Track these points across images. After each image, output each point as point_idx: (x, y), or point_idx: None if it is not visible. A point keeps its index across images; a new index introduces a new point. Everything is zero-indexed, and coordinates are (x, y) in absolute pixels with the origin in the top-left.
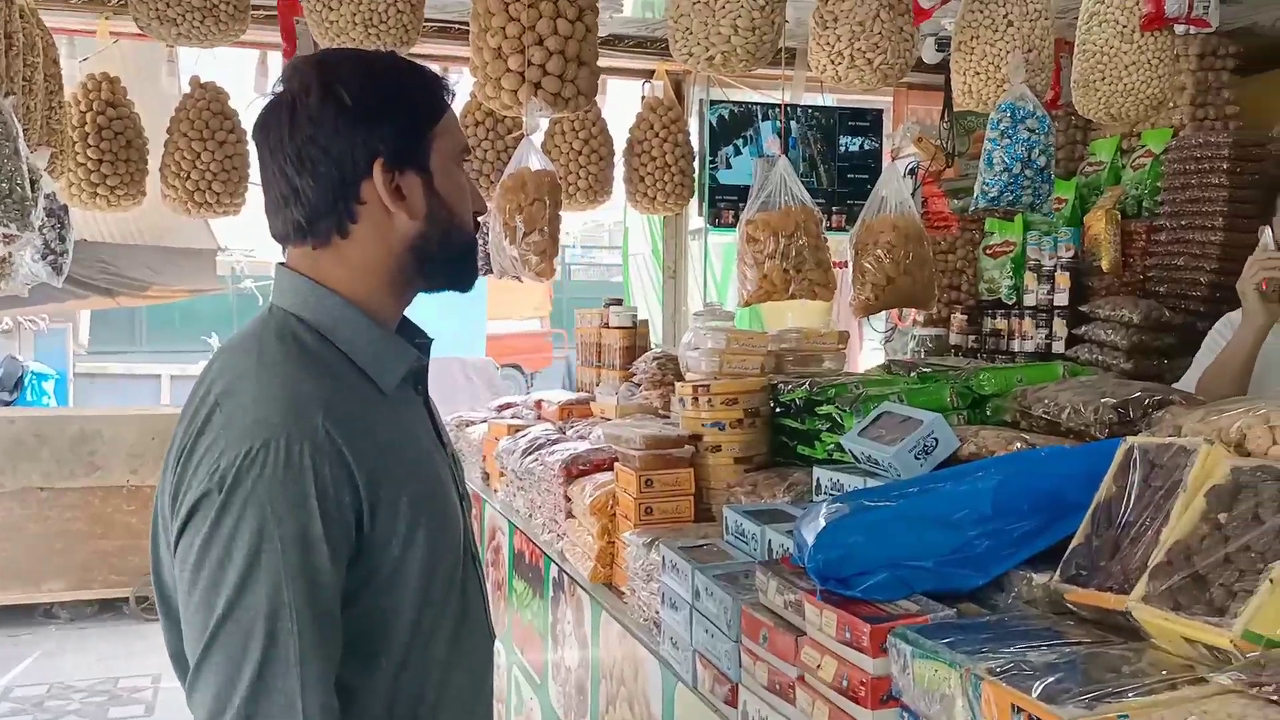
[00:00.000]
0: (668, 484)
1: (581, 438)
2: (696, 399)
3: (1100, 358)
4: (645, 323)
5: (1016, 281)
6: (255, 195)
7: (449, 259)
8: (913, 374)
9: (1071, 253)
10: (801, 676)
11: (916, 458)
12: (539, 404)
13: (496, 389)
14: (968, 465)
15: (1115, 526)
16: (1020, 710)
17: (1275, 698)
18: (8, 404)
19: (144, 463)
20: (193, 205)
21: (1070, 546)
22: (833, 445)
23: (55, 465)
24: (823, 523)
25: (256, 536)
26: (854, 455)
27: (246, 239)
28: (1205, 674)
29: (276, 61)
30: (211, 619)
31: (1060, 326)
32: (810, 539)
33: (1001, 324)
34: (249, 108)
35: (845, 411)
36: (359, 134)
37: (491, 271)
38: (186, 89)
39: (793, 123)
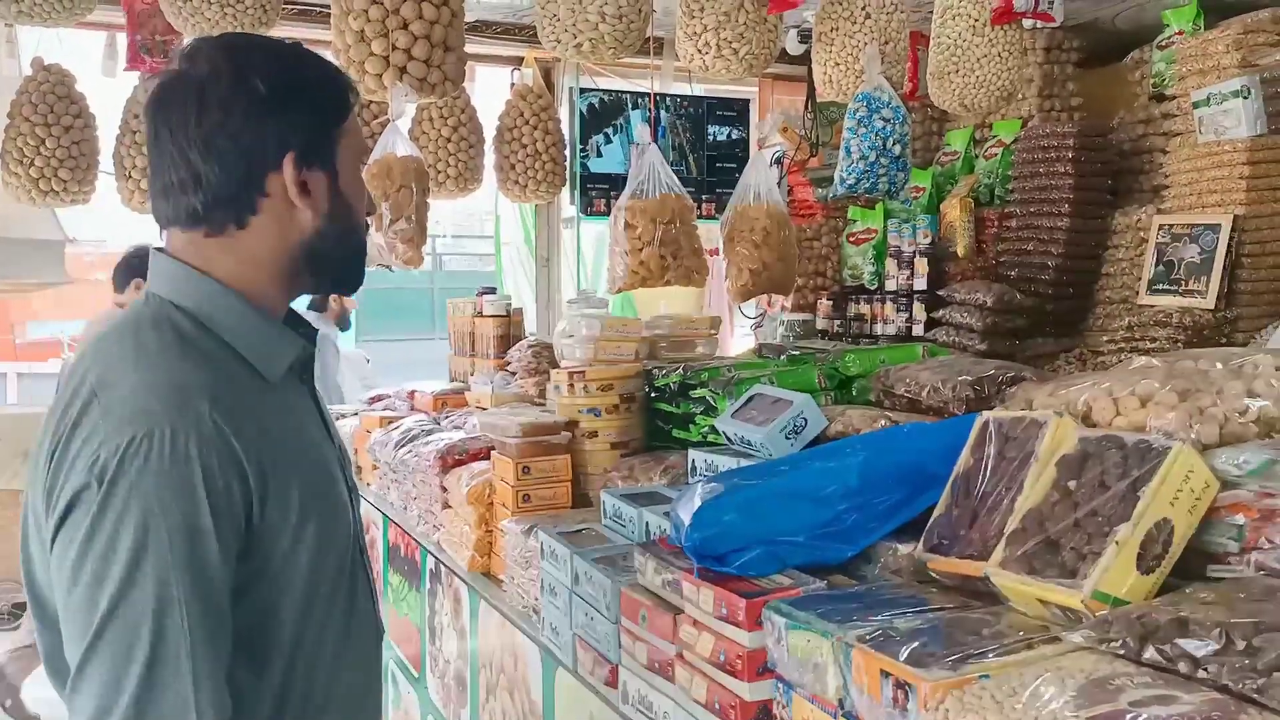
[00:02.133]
0: (545, 471)
1: (456, 428)
2: (572, 385)
3: (957, 339)
4: (519, 311)
5: (878, 267)
6: (105, 182)
7: (342, 259)
8: (782, 357)
9: (929, 239)
10: (680, 654)
11: (787, 437)
12: (412, 394)
13: (368, 381)
14: (836, 443)
15: (973, 497)
16: (888, 674)
17: (1122, 652)
18: None
19: None
20: (37, 193)
21: (932, 517)
22: (707, 428)
23: None
24: (698, 502)
25: (141, 530)
26: (727, 437)
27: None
28: (1059, 633)
29: (124, 43)
30: (95, 617)
31: (920, 310)
32: (687, 518)
33: (865, 308)
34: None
35: (718, 394)
36: (271, 125)
37: None
38: (28, 71)
39: (662, 111)
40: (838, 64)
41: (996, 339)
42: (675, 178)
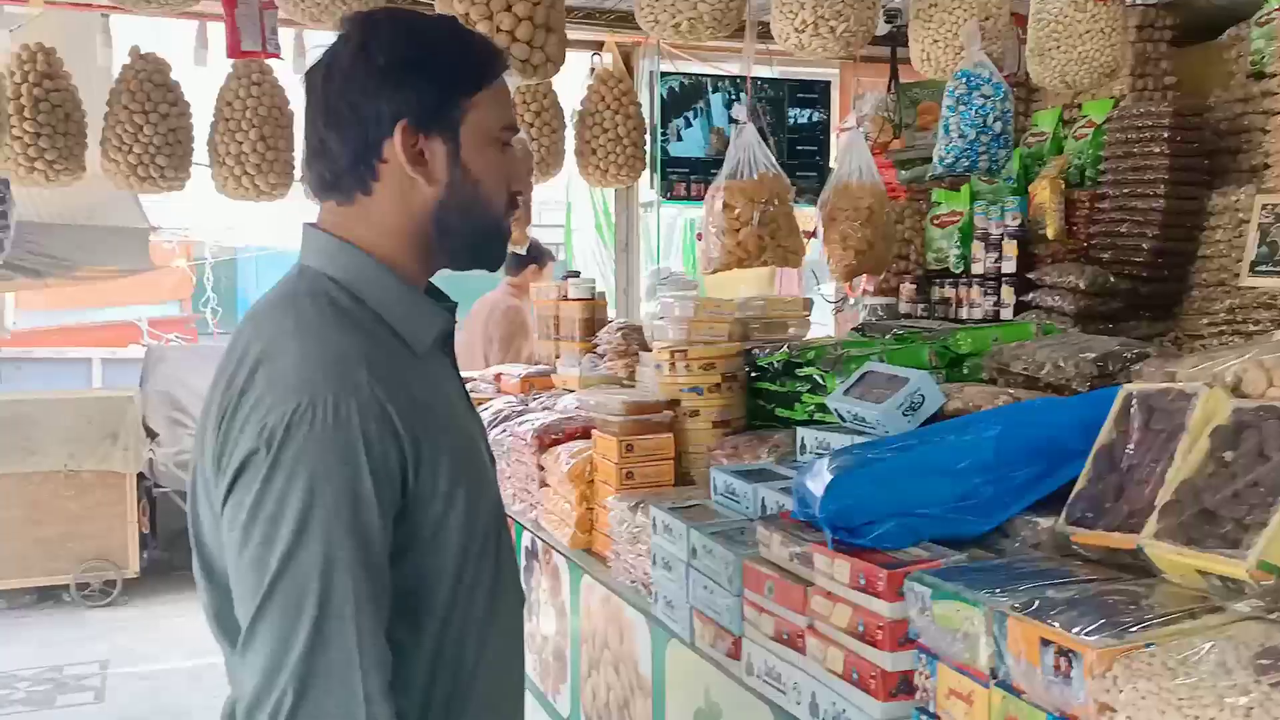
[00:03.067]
0: (648, 449)
1: (546, 409)
2: (674, 364)
3: (1048, 323)
4: (603, 295)
5: (964, 251)
6: (199, 173)
7: (471, 234)
8: (887, 336)
9: (1018, 221)
10: (811, 625)
11: (904, 414)
12: (498, 377)
13: None
14: (966, 417)
15: (1119, 469)
16: (1049, 642)
17: None
18: None
19: (80, 447)
20: (135, 179)
21: (1074, 491)
22: (814, 406)
23: None
24: (830, 475)
25: (308, 493)
26: (839, 414)
27: (180, 218)
28: (1221, 604)
29: (217, 32)
30: (266, 576)
31: (1008, 294)
32: (819, 490)
33: (949, 292)
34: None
35: (827, 373)
36: (385, 92)
37: None
38: (127, 60)
39: (743, 94)
40: (936, 41)
41: (1089, 323)
42: (773, 157)
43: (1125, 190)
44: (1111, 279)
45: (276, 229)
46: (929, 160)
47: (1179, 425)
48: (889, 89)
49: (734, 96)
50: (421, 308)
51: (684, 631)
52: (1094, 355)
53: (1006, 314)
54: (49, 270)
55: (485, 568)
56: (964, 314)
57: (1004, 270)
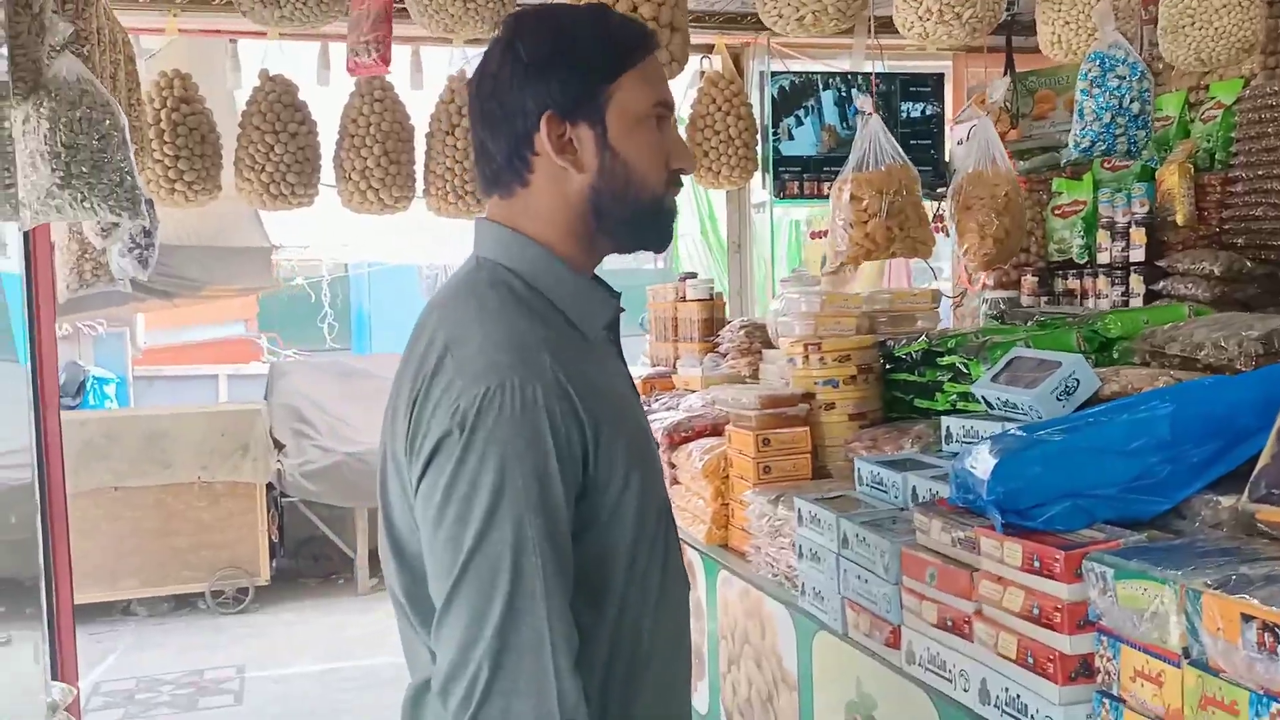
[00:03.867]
0: (785, 442)
1: (670, 409)
2: (807, 357)
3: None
4: (721, 295)
5: (1088, 240)
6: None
7: (629, 216)
8: (1029, 323)
9: (1146, 208)
10: (979, 610)
11: (1058, 399)
12: None
13: None
14: (1135, 396)
15: None
16: (1252, 618)
17: None
18: (71, 409)
19: (213, 459)
20: (268, 197)
21: (1258, 467)
22: (955, 395)
23: (126, 465)
24: (997, 457)
25: (500, 473)
26: (986, 402)
27: (299, 235)
28: None
29: (339, 52)
30: (460, 553)
31: (1137, 283)
32: (985, 473)
33: (1074, 284)
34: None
35: (971, 360)
36: (530, 87)
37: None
38: (256, 82)
39: (854, 90)
40: (1067, 23)
41: (1225, 310)
42: (899, 147)
43: (1259, 172)
44: (1248, 264)
45: (388, 245)
46: (1047, 150)
47: None
48: (1004, 75)
49: (844, 94)
50: (592, 294)
51: (835, 622)
52: (1258, 334)
53: (1136, 304)
54: (178, 290)
55: (657, 551)
56: (1090, 305)
57: (1132, 259)
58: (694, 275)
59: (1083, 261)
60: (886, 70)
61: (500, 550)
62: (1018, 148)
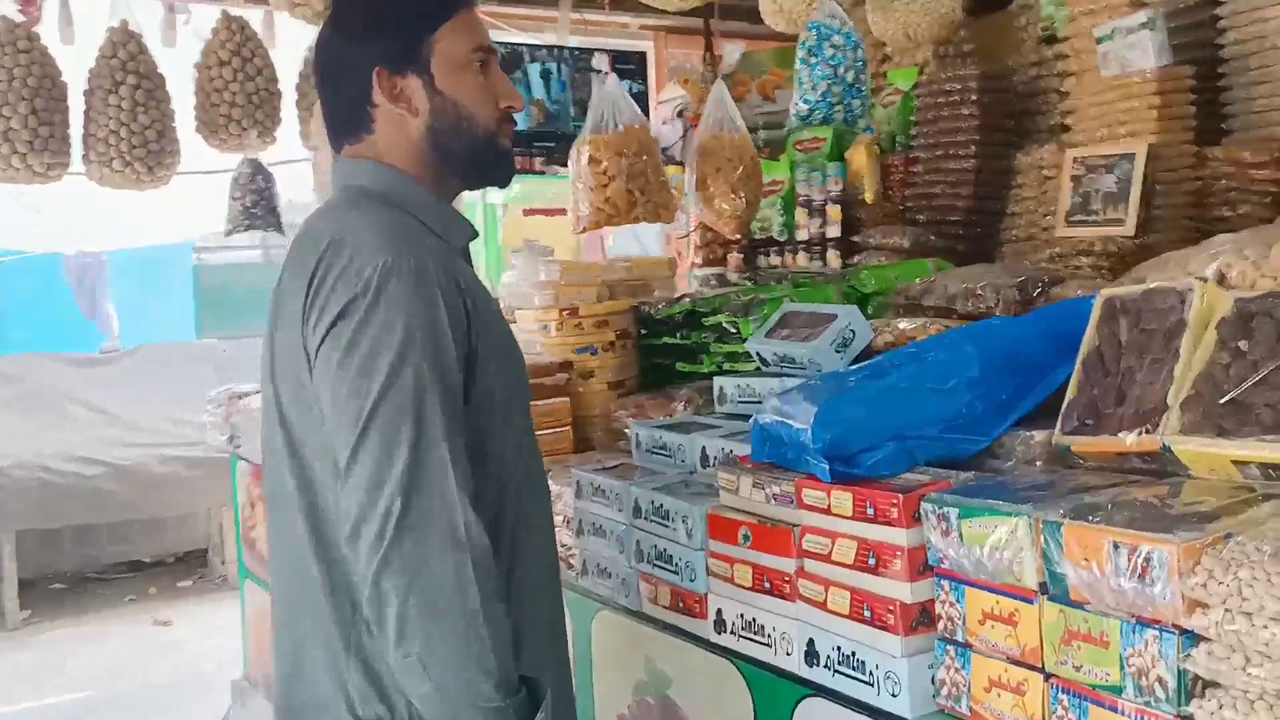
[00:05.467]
0: (544, 414)
1: None
2: (562, 324)
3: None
4: None
5: (788, 218)
6: None
7: (468, 153)
8: (782, 282)
9: (840, 186)
10: (802, 567)
11: (836, 350)
12: None
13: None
14: (936, 338)
15: (1113, 374)
16: (1121, 545)
17: None
18: None
19: None
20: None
21: (1067, 401)
22: (722, 356)
23: None
24: (818, 404)
25: (404, 330)
26: (761, 358)
27: None
28: (1264, 491)
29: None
30: (367, 402)
31: (834, 257)
32: (805, 420)
33: (776, 260)
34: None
35: (741, 318)
36: (359, 49)
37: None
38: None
39: (562, 65)
40: None
41: None
42: (638, 108)
43: (938, 153)
44: (932, 238)
45: (29, 229)
46: (749, 130)
47: (1177, 323)
48: (704, 59)
49: (551, 68)
50: (453, 213)
51: (625, 598)
52: (1013, 282)
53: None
54: None
55: (524, 441)
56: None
57: (828, 235)
58: None
59: (784, 238)
60: (591, 46)
61: (404, 397)
62: None
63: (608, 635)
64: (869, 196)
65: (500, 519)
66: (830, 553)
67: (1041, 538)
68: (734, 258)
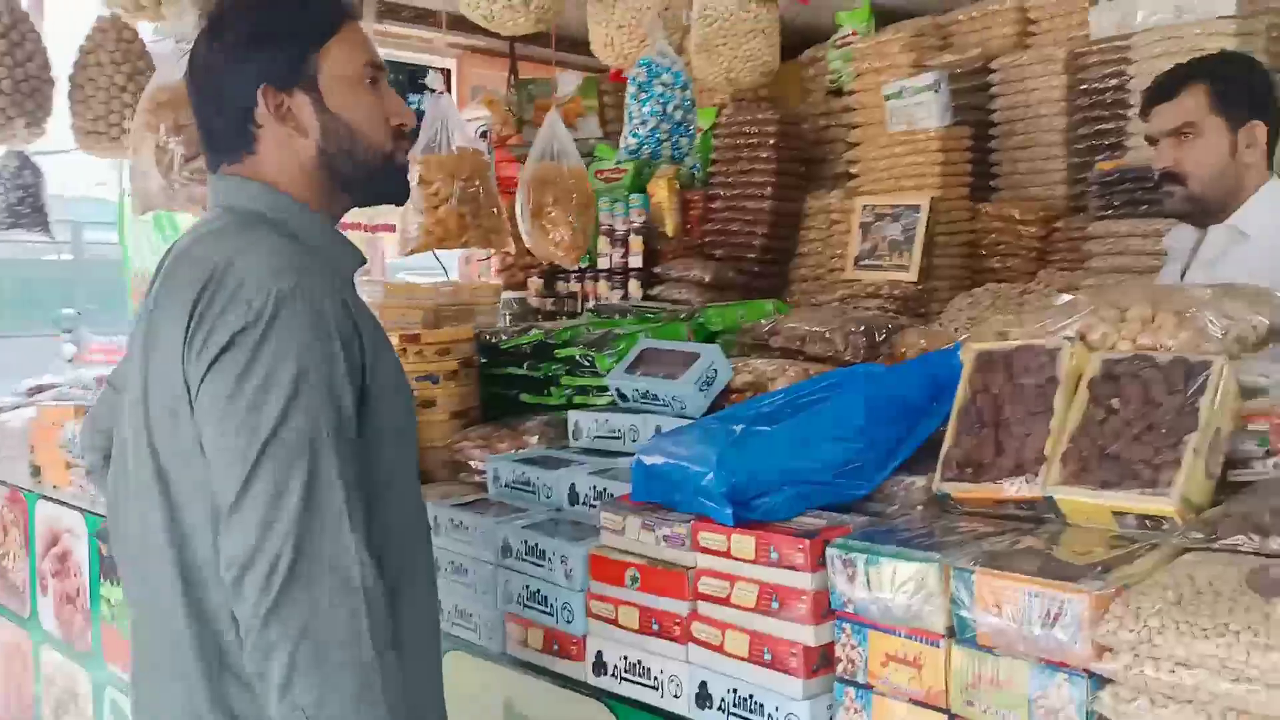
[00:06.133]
0: None
1: None
2: (404, 350)
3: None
4: None
5: (590, 247)
6: None
7: (362, 173)
8: (626, 316)
9: (643, 218)
10: (695, 610)
11: (700, 389)
12: (102, 380)
13: None
14: (820, 383)
15: (989, 425)
16: (1036, 593)
17: (1249, 549)
18: None
19: None
20: None
21: (944, 449)
22: (572, 389)
23: None
24: (718, 449)
25: (297, 364)
26: (621, 393)
27: None
28: (1140, 541)
29: None
30: (257, 439)
31: (635, 287)
32: (709, 465)
33: (576, 287)
34: None
35: (596, 353)
36: (243, 64)
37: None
38: None
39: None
40: (621, 26)
41: None
42: (472, 132)
43: (736, 191)
44: (730, 273)
45: None
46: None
47: (1050, 379)
48: (509, 83)
49: None
50: (344, 241)
51: (488, 641)
52: (861, 326)
53: (606, 302)
54: None
55: (411, 483)
56: (592, 307)
57: (630, 265)
58: None
59: (584, 265)
60: (394, 60)
61: (298, 436)
62: (520, 152)
63: (460, 679)
64: (669, 230)
65: (384, 563)
66: (729, 596)
67: (951, 584)
68: (534, 282)
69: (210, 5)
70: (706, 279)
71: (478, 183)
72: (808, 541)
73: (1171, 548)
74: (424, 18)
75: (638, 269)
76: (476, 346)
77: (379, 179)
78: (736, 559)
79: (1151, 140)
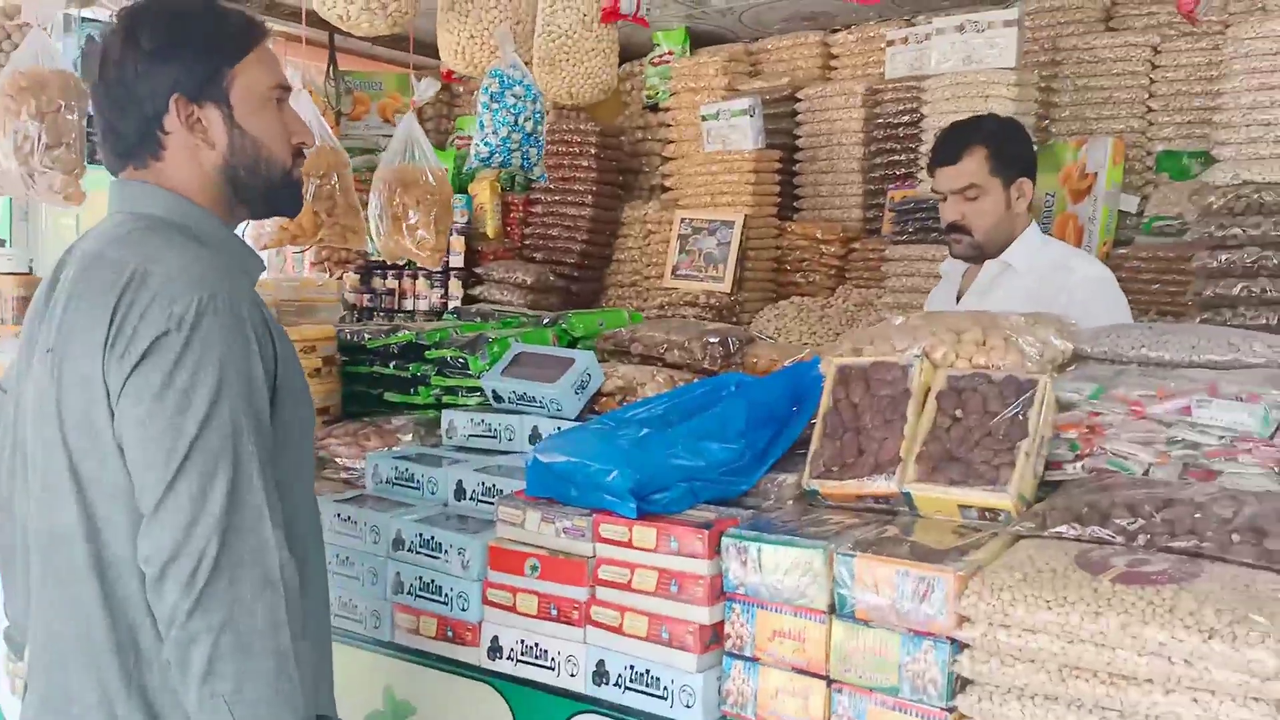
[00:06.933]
0: None
1: None
2: None
3: (499, 315)
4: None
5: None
6: None
7: (262, 188)
8: (491, 320)
9: (465, 218)
10: (593, 595)
11: (576, 392)
12: None
13: None
14: (703, 389)
15: (851, 430)
16: (908, 573)
17: (1071, 535)
18: None
19: None
20: None
21: (811, 450)
22: (441, 389)
23: None
24: (622, 448)
25: (220, 368)
26: (497, 394)
27: None
28: (980, 530)
29: None
30: (183, 440)
31: (456, 287)
32: (611, 462)
33: (394, 284)
34: None
35: (469, 354)
36: (156, 72)
37: None
38: None
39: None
40: (473, 37)
41: (539, 312)
42: (329, 128)
43: (557, 198)
44: (552, 277)
45: None
46: (366, 151)
47: (903, 391)
48: (328, 74)
49: None
50: (247, 248)
51: (376, 629)
52: (716, 338)
53: (455, 305)
54: None
55: (309, 480)
56: (409, 305)
57: (452, 264)
58: (2, 243)
59: (402, 263)
60: None
61: (222, 437)
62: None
63: (340, 669)
64: (490, 232)
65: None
66: (630, 581)
67: (835, 567)
68: (350, 278)
69: (120, 12)
70: (528, 281)
71: (335, 180)
72: (706, 532)
73: (1009, 535)
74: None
75: (459, 268)
76: (338, 344)
77: (276, 194)
78: (637, 548)
79: (938, 194)
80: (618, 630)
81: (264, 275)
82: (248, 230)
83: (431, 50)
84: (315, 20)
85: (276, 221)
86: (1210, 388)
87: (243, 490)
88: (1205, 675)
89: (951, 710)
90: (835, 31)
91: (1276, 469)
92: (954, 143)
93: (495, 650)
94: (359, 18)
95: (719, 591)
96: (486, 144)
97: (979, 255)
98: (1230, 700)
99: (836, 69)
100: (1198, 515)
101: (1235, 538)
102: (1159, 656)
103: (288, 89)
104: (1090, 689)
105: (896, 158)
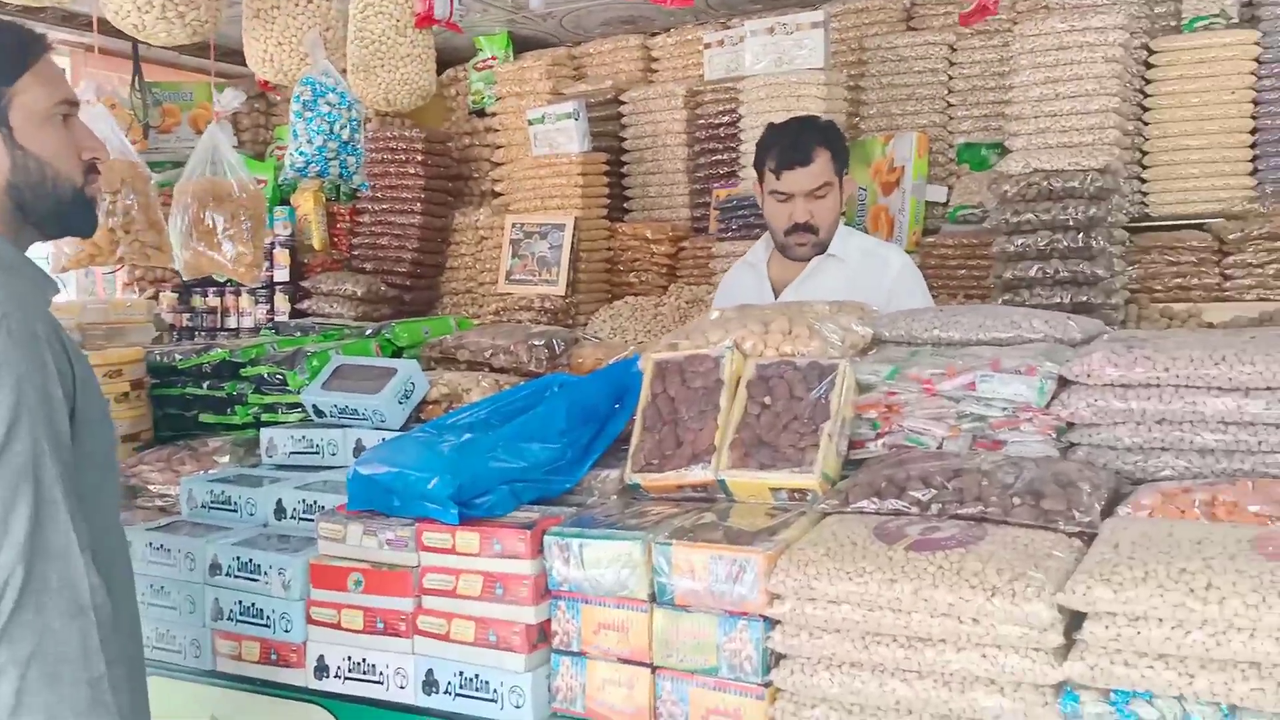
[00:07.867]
0: None
1: None
2: None
3: (320, 328)
4: None
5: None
6: None
7: (53, 207)
8: (310, 334)
9: (290, 231)
10: (420, 604)
11: (399, 402)
12: None
13: None
14: (524, 391)
15: (669, 422)
16: (720, 557)
17: (871, 509)
18: None
19: None
20: None
21: (632, 445)
22: (260, 407)
23: None
24: (442, 455)
25: (16, 391)
26: (318, 409)
27: None
28: (791, 510)
29: None
30: None
31: (283, 301)
32: (432, 469)
33: (215, 301)
34: None
35: (287, 370)
36: None
37: None
38: None
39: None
40: (280, 44)
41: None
42: (126, 141)
43: (385, 206)
44: (383, 287)
45: None
46: (178, 164)
47: (715, 382)
48: (133, 85)
49: None
50: (38, 271)
51: (194, 659)
52: (542, 341)
53: (283, 320)
54: None
55: (114, 508)
56: (233, 323)
57: (277, 279)
58: None
59: (223, 280)
60: None
61: (21, 460)
62: (146, 159)
63: (160, 703)
64: (316, 243)
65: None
66: (455, 588)
67: (653, 557)
68: (167, 297)
69: None
70: (359, 293)
71: (133, 196)
72: (528, 532)
73: (816, 513)
74: (32, 12)
75: (284, 283)
76: (146, 367)
77: (69, 213)
78: (461, 554)
79: (783, 196)
80: (445, 638)
81: (69, 298)
82: (53, 253)
83: (243, 58)
84: (116, 30)
85: (75, 241)
86: (993, 363)
87: (47, 514)
88: (991, 631)
89: (767, 685)
90: (655, 35)
91: (1054, 435)
92: (804, 144)
93: (322, 670)
94: (155, 27)
95: (544, 590)
96: (302, 153)
97: (816, 254)
98: (1015, 653)
99: (658, 71)
100: (984, 482)
101: (1016, 501)
102: (949, 617)
103: (75, 104)
104: (890, 653)
105: (719, 157)
